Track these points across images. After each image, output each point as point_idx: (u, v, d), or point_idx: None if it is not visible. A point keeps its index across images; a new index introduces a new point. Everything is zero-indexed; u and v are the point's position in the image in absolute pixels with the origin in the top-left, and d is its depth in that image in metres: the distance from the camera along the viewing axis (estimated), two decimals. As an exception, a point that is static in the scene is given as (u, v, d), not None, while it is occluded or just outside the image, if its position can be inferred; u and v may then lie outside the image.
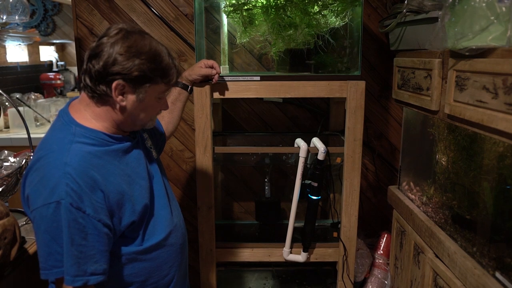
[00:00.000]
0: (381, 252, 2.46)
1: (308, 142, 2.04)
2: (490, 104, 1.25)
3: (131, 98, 1.25)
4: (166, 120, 1.76)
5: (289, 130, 2.51)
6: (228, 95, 1.94)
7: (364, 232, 2.59)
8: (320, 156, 1.96)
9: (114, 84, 1.20)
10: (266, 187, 2.40)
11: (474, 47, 1.30)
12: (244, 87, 1.94)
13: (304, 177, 2.02)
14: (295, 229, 2.09)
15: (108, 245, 1.22)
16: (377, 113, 2.51)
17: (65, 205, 1.13)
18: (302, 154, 1.98)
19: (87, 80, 1.23)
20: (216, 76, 1.86)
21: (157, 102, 1.32)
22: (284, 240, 2.10)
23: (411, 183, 2.14)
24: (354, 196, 2.02)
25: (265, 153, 2.17)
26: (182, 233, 1.49)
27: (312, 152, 2.02)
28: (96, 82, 1.22)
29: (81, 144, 1.22)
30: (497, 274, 1.34)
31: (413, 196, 2.08)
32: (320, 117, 2.47)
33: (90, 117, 1.28)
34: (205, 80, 1.88)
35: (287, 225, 2.08)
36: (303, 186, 2.03)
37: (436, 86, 1.62)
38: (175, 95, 1.80)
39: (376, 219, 2.65)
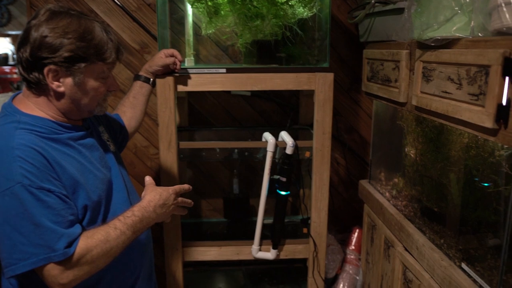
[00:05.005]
0: (353, 247, 2.49)
1: (276, 136, 2.06)
2: (454, 95, 1.29)
3: (68, 82, 1.24)
4: (128, 115, 1.75)
5: (258, 124, 2.52)
6: (192, 88, 1.94)
7: (336, 227, 2.63)
8: (289, 150, 1.98)
9: (45, 70, 1.20)
10: (235, 184, 2.41)
11: (439, 38, 1.35)
12: (210, 80, 1.94)
13: (272, 172, 2.04)
14: (264, 226, 2.10)
15: (78, 215, 1.23)
16: (347, 106, 2.55)
17: (24, 187, 1.12)
18: (270, 148, 2.00)
19: (21, 70, 1.22)
20: (178, 64, 1.85)
21: (101, 83, 1.30)
22: (253, 238, 2.11)
23: (382, 177, 2.19)
24: (323, 191, 2.05)
25: (233, 148, 2.18)
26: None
27: (280, 147, 2.04)
28: (28, 71, 1.21)
29: (27, 131, 1.21)
30: (463, 265, 1.39)
31: (383, 190, 2.12)
32: (290, 111, 2.50)
33: (34, 107, 1.27)
34: (167, 71, 1.88)
35: (256, 222, 2.10)
36: (271, 181, 2.04)
37: (404, 78, 1.66)
38: (136, 89, 1.79)
39: (347, 214, 2.69)
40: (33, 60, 1.19)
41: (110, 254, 1.23)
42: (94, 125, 1.46)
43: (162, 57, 1.83)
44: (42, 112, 1.27)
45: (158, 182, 2.19)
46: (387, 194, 2.07)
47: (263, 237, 2.12)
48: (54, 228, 1.15)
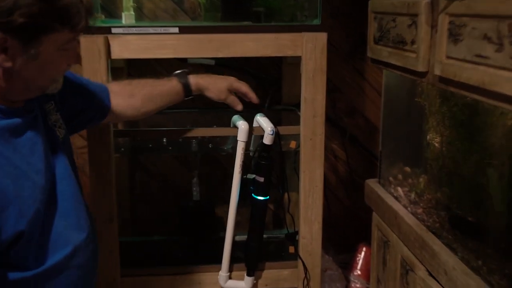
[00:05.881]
0: (359, 272, 2.52)
1: (251, 120, 2.06)
2: (493, 60, 1.26)
3: (19, 55, 1.20)
4: (133, 103, 1.80)
5: (226, 105, 2.48)
6: (133, 54, 1.92)
7: (334, 245, 2.64)
8: (267, 140, 1.98)
9: None
10: (194, 187, 2.40)
11: (472, -19, 1.32)
12: (157, 43, 1.92)
13: (245, 170, 2.04)
14: (236, 244, 2.11)
15: None
16: (347, 78, 2.56)
17: None
18: (241, 137, 1.99)
19: None
20: (240, 107, 1.98)
21: (60, 56, 1.28)
22: (220, 261, 2.10)
23: (396, 175, 2.17)
24: (316, 195, 2.05)
25: (191, 138, 2.17)
26: (93, 251, 1.48)
27: (256, 135, 2.04)
28: None
29: None
30: (509, 296, 1.38)
31: (398, 193, 2.11)
32: (269, 86, 2.48)
33: None
34: None
35: (224, 239, 2.09)
36: (244, 182, 2.04)
37: (424, 38, 1.63)
38: (171, 91, 1.87)
39: (350, 227, 2.70)
40: None
41: None
42: (40, 102, 1.42)
43: (229, 92, 1.95)
44: None
45: (87, 184, 2.17)
46: (403, 198, 2.06)
47: (234, 260, 2.12)
48: None
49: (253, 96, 1.96)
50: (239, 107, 1.95)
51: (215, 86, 1.92)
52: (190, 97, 1.92)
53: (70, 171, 1.45)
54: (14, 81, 1.25)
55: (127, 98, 1.79)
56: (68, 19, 1.22)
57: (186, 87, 1.88)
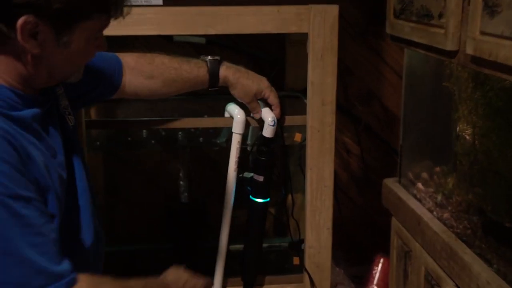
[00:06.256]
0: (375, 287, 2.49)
1: (248, 109, 2.05)
2: (537, 36, 1.26)
3: (49, 42, 1.23)
4: (149, 85, 1.87)
5: (219, 90, 2.47)
6: (107, 31, 1.85)
7: (347, 255, 2.65)
8: (267, 132, 1.98)
9: (20, 22, 1.16)
10: (182, 187, 2.42)
11: None
12: (137, 18, 1.88)
13: (242, 167, 2.05)
14: (230, 254, 2.11)
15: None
16: (362, 59, 2.56)
17: None
18: (237, 129, 2.00)
19: None
20: (258, 115, 2.03)
21: (91, 44, 1.34)
22: (212, 274, 2.10)
23: (419, 173, 2.16)
24: (324, 197, 2.05)
25: (177, 130, 2.18)
26: (102, 254, 1.58)
27: (254, 126, 2.05)
28: None
29: None
30: (554, 316, 1.37)
31: (422, 194, 2.10)
32: (271, 69, 2.48)
33: None
34: None
35: (217, 248, 2.09)
36: (240, 182, 2.05)
37: (454, 10, 1.62)
38: (197, 78, 1.93)
39: (365, 234, 2.71)
40: (3, 4, 1.16)
41: None
42: (53, 88, 1.47)
43: (255, 97, 1.98)
44: None
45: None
46: (428, 200, 2.05)
47: (229, 273, 2.13)
48: (42, 266, 1.16)
49: (278, 111, 2.00)
50: (258, 116, 1.99)
51: (243, 87, 1.97)
52: (214, 89, 1.99)
53: (82, 165, 1.50)
54: (42, 68, 1.29)
55: (144, 78, 1.85)
56: (106, 7, 1.28)
57: (214, 79, 1.95)
